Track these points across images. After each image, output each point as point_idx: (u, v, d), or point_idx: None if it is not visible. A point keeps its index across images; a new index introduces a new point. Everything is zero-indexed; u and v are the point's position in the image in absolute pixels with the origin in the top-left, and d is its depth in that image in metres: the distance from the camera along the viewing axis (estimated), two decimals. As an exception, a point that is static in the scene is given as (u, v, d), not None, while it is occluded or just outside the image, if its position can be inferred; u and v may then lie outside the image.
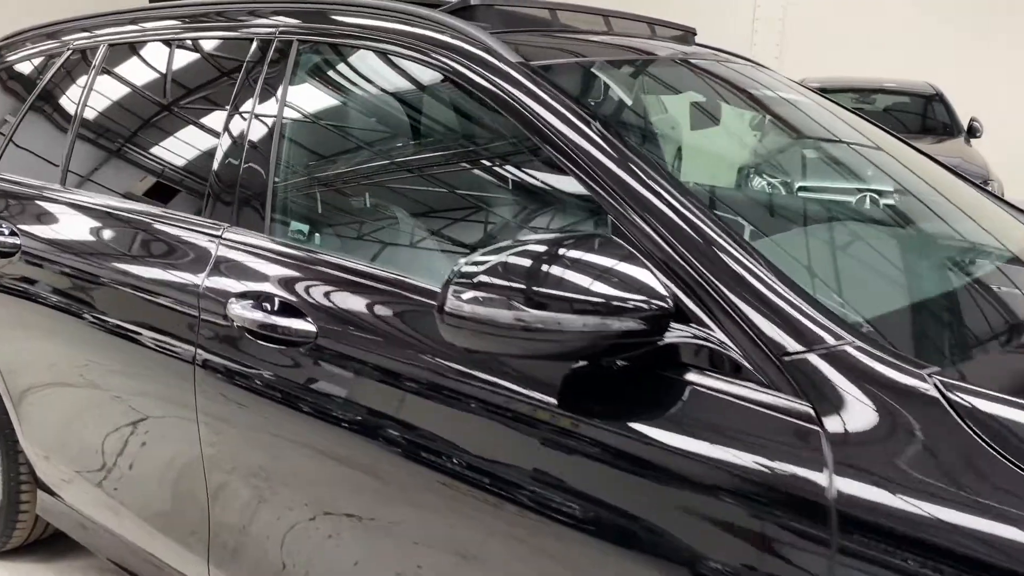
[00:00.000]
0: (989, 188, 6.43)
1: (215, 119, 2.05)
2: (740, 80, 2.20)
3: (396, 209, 1.85)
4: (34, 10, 4.46)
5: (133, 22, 2.40)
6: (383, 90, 1.95)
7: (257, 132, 1.89)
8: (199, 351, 1.77)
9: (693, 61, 2.12)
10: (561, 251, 1.20)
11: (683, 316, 1.24)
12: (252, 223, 1.84)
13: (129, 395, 2.01)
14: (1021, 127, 9.43)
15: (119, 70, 2.40)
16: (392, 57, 1.81)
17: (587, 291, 1.15)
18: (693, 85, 2.21)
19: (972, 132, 7.78)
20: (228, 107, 1.97)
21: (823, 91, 8.25)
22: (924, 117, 8.33)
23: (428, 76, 1.79)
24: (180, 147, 2.16)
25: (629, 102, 1.93)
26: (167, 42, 2.31)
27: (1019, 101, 9.79)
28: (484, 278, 1.18)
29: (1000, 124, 8.59)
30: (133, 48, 2.39)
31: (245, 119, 1.93)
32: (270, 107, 1.90)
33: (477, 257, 1.22)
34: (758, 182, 2.31)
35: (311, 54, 1.95)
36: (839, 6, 10.74)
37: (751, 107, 2.26)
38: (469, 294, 1.19)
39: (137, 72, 2.38)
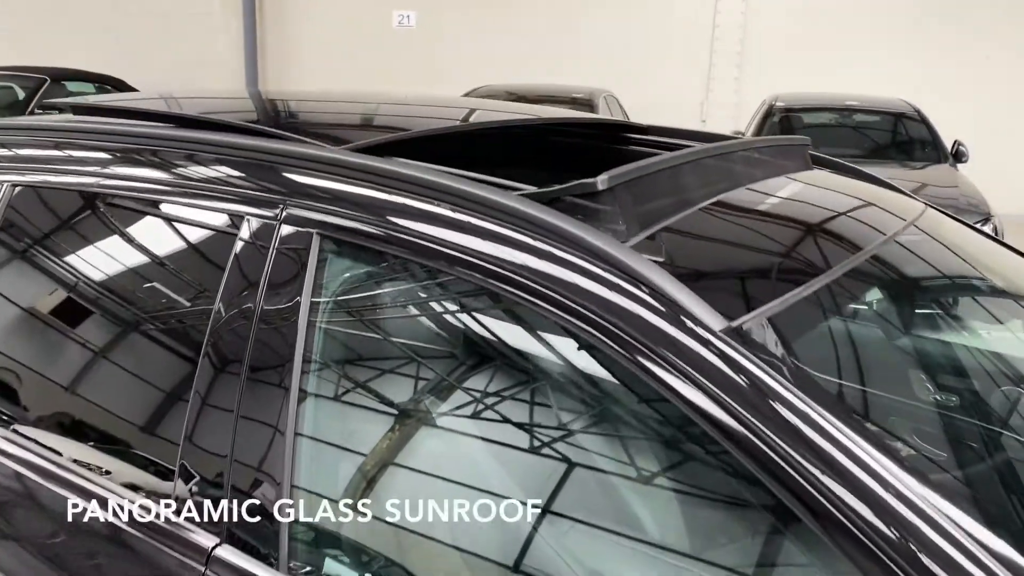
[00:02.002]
0: (990, 226, 6.07)
1: (182, 340, 1.35)
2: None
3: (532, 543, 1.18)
4: None
5: (48, 148, 1.66)
6: (473, 340, 1.27)
7: (262, 388, 1.20)
8: None
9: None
10: None
11: None
12: (258, 544, 1.15)
13: None
14: (998, 148, 9.14)
15: (13, 232, 1.65)
16: (491, 289, 1.13)
17: None
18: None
19: (958, 157, 7.36)
20: (209, 322, 1.28)
21: (790, 110, 7.89)
22: (895, 134, 7.89)
23: (558, 329, 1.12)
24: (129, 382, 1.45)
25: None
26: (88, 195, 1.57)
27: (995, 118, 9.52)
28: None
29: (977, 145, 8.24)
30: (38, 195, 1.64)
31: (231, 357, 1.24)
32: (277, 337, 1.21)
33: None
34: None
35: (340, 258, 1.25)
36: (800, 16, 10.29)
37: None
38: None
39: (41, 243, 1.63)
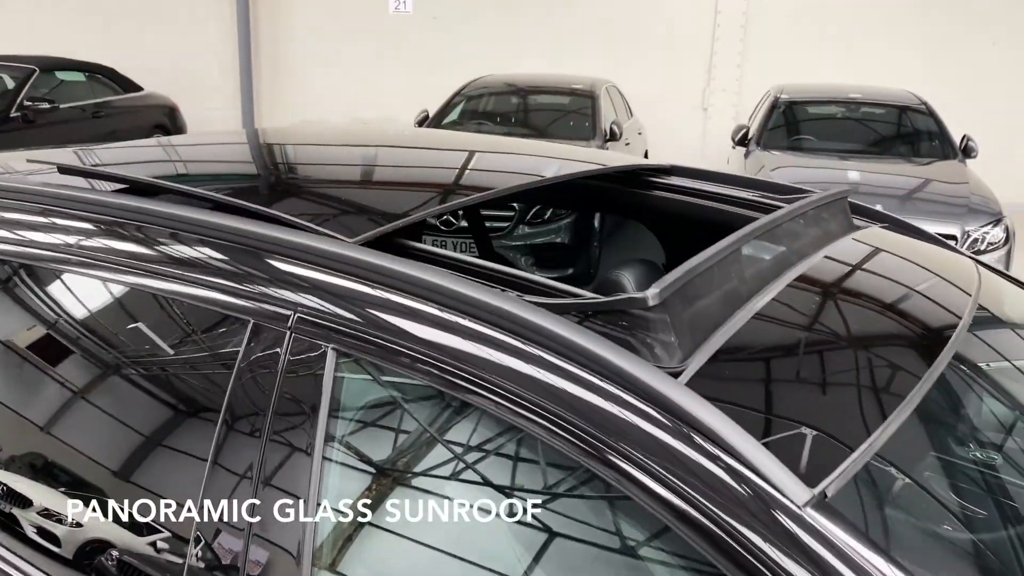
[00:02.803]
0: (1002, 227, 5.93)
1: (187, 440, 1.23)
2: None
3: None
4: None
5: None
6: (511, 483, 1.14)
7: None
8: None
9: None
10: None
11: None
12: None
13: None
14: (1006, 136, 9.01)
15: None
16: (528, 421, 1.01)
17: None
18: None
19: (967, 152, 7.20)
20: (216, 434, 1.16)
21: (794, 102, 7.74)
22: (902, 127, 7.73)
23: (591, 470, 0.99)
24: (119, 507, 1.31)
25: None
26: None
27: (1003, 105, 9.38)
28: None
29: (984, 133, 8.08)
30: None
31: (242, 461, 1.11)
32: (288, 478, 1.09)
33: None
34: None
35: (360, 378, 1.13)
36: (803, 2, 10.08)
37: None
38: None
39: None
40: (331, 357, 1.11)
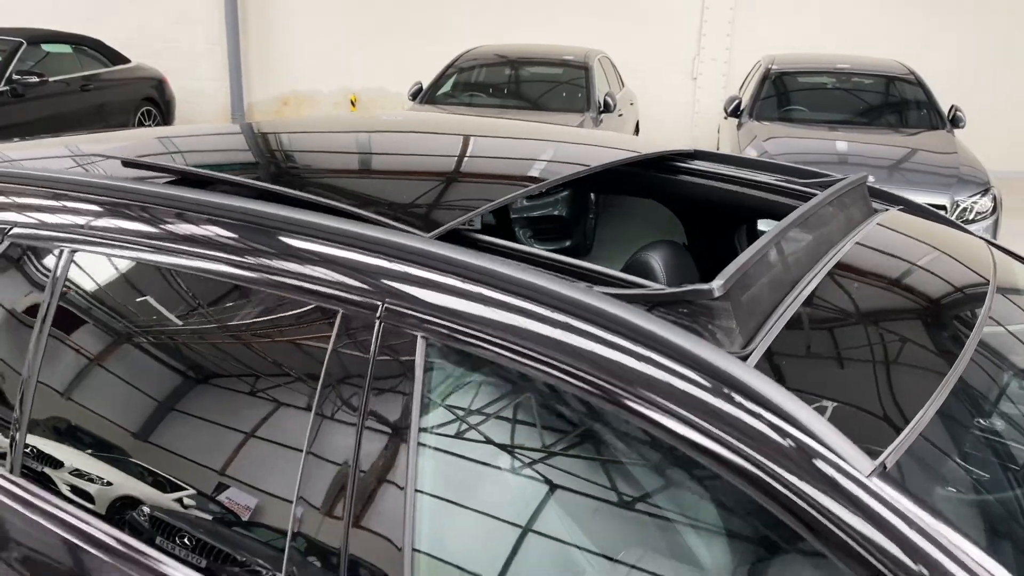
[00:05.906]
0: (990, 196, 6.07)
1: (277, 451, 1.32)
2: None
3: None
4: None
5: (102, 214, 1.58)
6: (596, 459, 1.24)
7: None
8: None
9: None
10: None
11: None
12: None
13: None
14: (992, 101, 9.15)
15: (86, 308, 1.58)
16: (607, 401, 1.12)
17: None
18: None
19: (955, 122, 7.33)
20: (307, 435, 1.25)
21: (785, 73, 7.81)
22: (890, 97, 7.84)
23: (671, 448, 1.10)
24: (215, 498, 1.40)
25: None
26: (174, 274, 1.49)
27: (990, 70, 9.50)
28: None
29: (970, 98, 8.21)
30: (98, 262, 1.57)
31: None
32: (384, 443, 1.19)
33: None
34: None
35: (451, 365, 1.22)
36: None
37: None
38: None
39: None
40: (421, 345, 1.21)
